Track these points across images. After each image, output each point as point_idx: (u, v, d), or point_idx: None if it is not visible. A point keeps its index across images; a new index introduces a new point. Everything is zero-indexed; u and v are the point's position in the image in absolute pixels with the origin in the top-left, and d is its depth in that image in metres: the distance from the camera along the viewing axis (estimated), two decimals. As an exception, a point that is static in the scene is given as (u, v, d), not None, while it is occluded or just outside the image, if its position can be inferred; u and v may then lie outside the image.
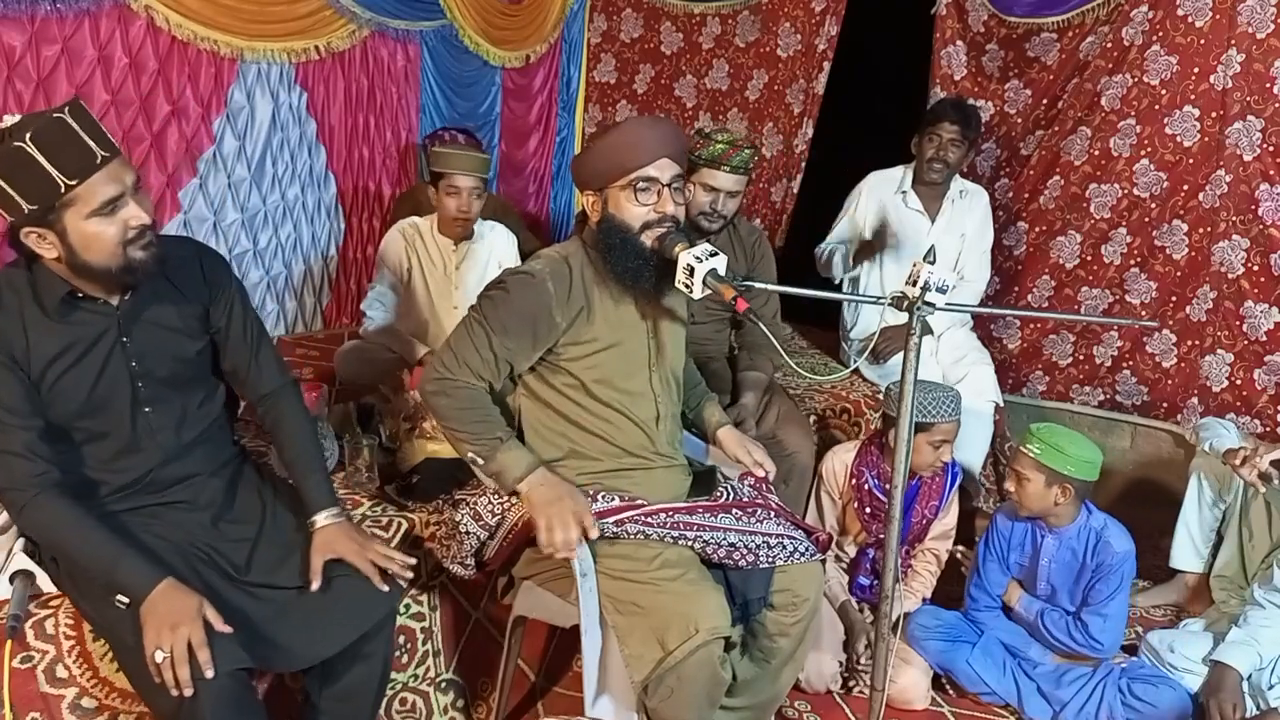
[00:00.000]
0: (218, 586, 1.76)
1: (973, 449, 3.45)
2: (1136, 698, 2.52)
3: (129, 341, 1.79)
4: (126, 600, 1.66)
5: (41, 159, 1.58)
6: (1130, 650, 2.76)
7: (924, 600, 2.85)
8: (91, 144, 1.62)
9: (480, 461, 2.00)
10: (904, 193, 3.61)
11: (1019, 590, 2.75)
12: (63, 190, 1.61)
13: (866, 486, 2.79)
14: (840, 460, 2.87)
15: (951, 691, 2.73)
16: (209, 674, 1.57)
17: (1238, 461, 2.79)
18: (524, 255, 3.26)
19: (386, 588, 1.85)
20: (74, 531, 1.68)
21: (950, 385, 2.93)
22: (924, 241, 3.43)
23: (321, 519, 1.90)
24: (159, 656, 1.56)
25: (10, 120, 1.63)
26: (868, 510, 2.80)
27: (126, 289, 1.76)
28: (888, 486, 2.76)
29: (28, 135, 1.58)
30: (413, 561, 1.91)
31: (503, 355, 2.00)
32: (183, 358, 1.87)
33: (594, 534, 1.94)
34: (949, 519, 2.88)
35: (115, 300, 1.77)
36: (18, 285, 1.72)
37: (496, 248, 3.18)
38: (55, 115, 1.60)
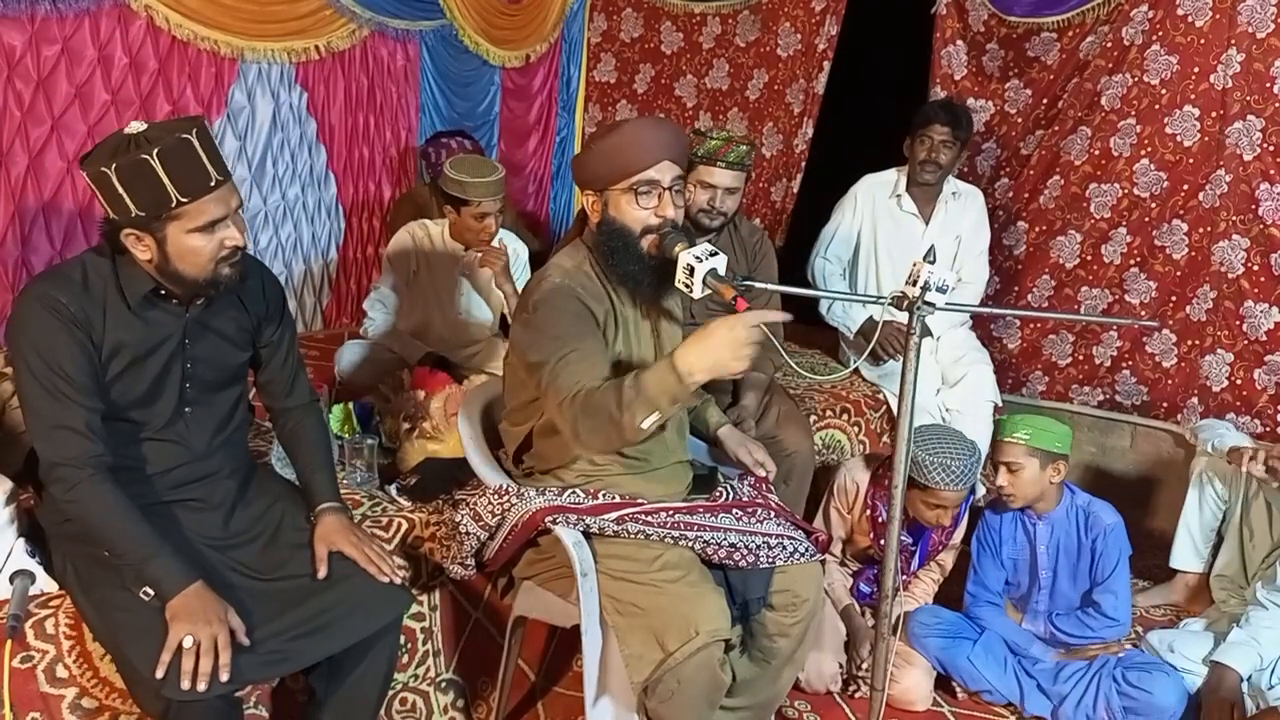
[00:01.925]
0: (228, 591, 1.77)
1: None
2: (1131, 685, 2.52)
3: (189, 344, 1.85)
4: (152, 593, 1.69)
5: (163, 174, 1.65)
6: (1130, 650, 2.76)
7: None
8: (209, 166, 1.70)
9: (655, 417, 1.75)
10: (898, 196, 3.60)
11: (1018, 615, 2.77)
12: (174, 205, 1.68)
13: (880, 519, 2.74)
14: (853, 478, 2.82)
15: (959, 694, 2.73)
16: (224, 677, 1.61)
17: (1244, 459, 2.78)
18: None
19: (388, 579, 1.90)
20: (119, 518, 1.71)
21: (975, 446, 2.65)
22: (919, 244, 3.42)
23: (323, 509, 1.97)
24: (188, 642, 1.61)
25: (137, 126, 1.69)
26: (881, 541, 2.76)
27: (202, 298, 1.82)
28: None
29: (155, 151, 1.64)
30: (404, 564, 1.92)
31: (591, 337, 1.93)
32: (230, 366, 1.94)
33: None
34: (958, 532, 2.86)
35: (187, 305, 1.83)
36: (103, 272, 1.77)
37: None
38: (182, 136, 1.67)
